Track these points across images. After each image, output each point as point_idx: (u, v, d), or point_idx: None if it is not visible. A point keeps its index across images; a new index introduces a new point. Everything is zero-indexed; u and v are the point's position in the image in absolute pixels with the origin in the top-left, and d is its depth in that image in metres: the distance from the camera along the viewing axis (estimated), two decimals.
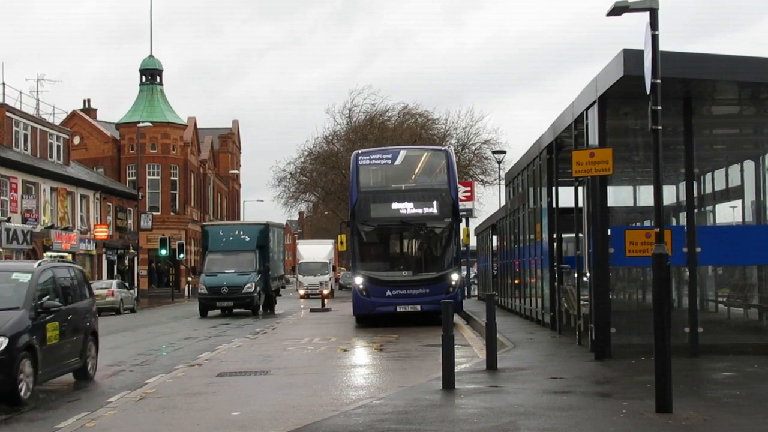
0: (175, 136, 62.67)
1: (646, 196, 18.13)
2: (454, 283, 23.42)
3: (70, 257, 44.44)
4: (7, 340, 11.16)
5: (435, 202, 23.80)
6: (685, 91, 13.76)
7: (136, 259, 54.62)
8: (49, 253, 40.52)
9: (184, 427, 9.83)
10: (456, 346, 12.32)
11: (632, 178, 18.99)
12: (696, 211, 14.93)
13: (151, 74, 63.35)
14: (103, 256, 50.20)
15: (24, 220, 38.82)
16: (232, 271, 34.09)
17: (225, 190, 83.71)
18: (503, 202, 34.13)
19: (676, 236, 13.33)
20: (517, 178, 25.84)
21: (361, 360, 16.53)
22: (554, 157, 18.71)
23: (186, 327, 27.90)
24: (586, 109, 14.69)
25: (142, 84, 63.39)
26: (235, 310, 34.71)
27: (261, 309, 34.92)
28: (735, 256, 14.70)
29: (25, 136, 43.20)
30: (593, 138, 14.17)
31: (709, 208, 18.98)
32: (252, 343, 20.34)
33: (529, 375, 12.57)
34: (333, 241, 56.93)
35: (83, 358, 13.78)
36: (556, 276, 19.27)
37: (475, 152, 61.66)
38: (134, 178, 57.03)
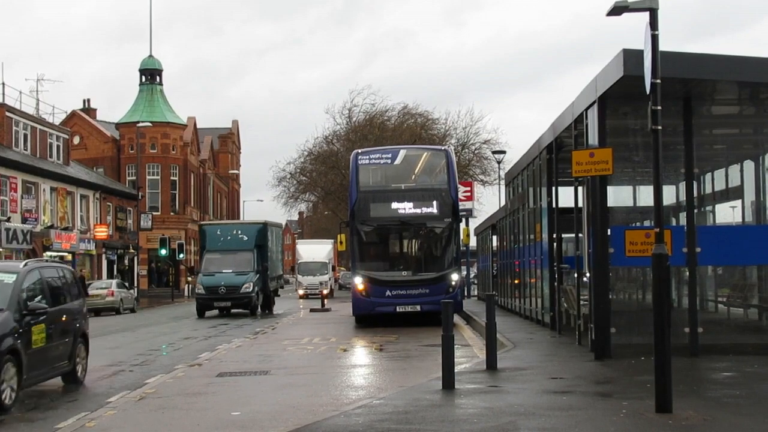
0: (174, 136, 62.68)
1: (646, 196, 18.14)
2: (453, 283, 23.40)
3: (69, 257, 44.48)
4: None
5: (435, 202, 23.77)
6: (684, 91, 13.77)
7: (135, 259, 54.64)
8: (48, 253, 40.52)
9: (184, 427, 9.83)
10: (456, 346, 12.32)
11: (632, 178, 18.99)
12: (696, 211, 14.94)
13: (151, 74, 63.36)
14: (103, 256, 50.20)
15: (24, 220, 38.83)
16: (230, 270, 33.82)
17: (225, 190, 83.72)
18: (503, 202, 34.14)
19: (676, 236, 13.33)
20: (517, 178, 25.84)
21: (361, 360, 16.53)
22: (554, 157, 18.71)
23: (186, 327, 27.90)
24: (586, 109, 14.69)
25: (142, 84, 63.40)
26: (233, 311, 34.48)
27: (259, 309, 34.69)
28: (735, 256, 14.71)
29: (25, 135, 43.21)
30: (593, 138, 14.18)
31: (709, 208, 18.98)
32: (252, 343, 20.34)
33: (529, 375, 12.57)
34: (332, 240, 56.82)
35: (72, 362, 13.31)
36: (556, 276, 19.26)
37: (475, 152, 61.70)
38: (134, 178, 57.04)
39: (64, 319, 13.11)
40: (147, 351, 19.57)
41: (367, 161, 24.84)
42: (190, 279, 57.24)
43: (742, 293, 17.01)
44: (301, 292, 53.99)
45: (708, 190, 18.93)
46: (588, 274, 14.73)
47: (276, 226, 40.93)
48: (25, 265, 12.68)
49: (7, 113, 41.47)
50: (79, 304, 14.11)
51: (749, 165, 17.85)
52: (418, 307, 23.19)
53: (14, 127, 42.13)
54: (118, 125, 62.86)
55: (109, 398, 11.95)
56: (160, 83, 63.81)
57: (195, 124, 68.22)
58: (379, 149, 28.19)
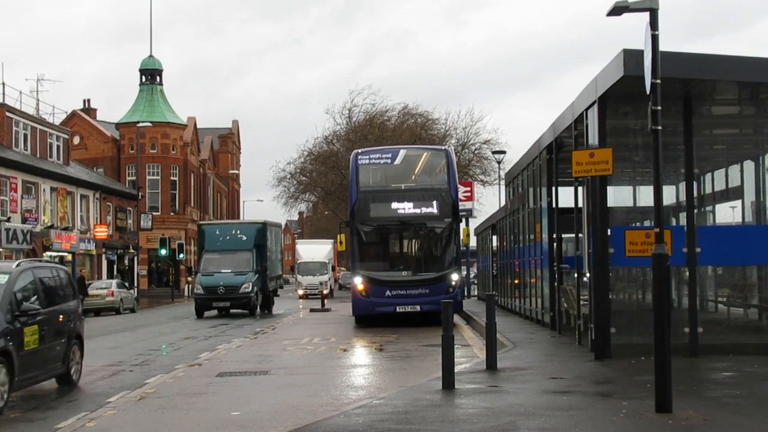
0: (174, 136, 62.68)
1: (646, 196, 18.13)
2: (453, 283, 23.38)
3: (69, 257, 44.49)
4: None
5: (435, 202, 23.74)
6: (685, 91, 13.77)
7: (135, 259, 54.63)
8: (48, 253, 40.52)
9: (184, 427, 9.83)
10: (456, 346, 12.32)
11: (632, 178, 18.98)
12: (696, 211, 14.94)
13: (151, 74, 63.36)
14: (103, 256, 50.20)
15: (24, 220, 38.82)
16: (229, 270, 33.60)
17: (225, 190, 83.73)
18: (503, 202, 34.14)
19: (676, 236, 13.33)
20: (517, 178, 25.84)
21: (361, 360, 16.53)
22: (554, 157, 18.72)
23: (186, 327, 27.90)
24: (586, 109, 14.69)
25: (142, 84, 63.40)
26: (232, 311, 34.29)
27: (258, 309, 34.53)
28: (735, 256, 14.71)
29: (25, 136, 43.21)
30: (593, 138, 14.18)
31: (709, 208, 18.98)
32: (252, 343, 20.34)
33: (529, 375, 12.57)
34: (332, 240, 56.77)
35: (66, 363, 13.05)
36: (556, 276, 19.27)
37: (475, 152, 61.73)
38: (134, 178, 57.04)
39: (58, 320, 12.86)
40: (147, 351, 19.57)
41: (367, 161, 24.81)
42: (190, 279, 57.26)
43: (742, 293, 17.01)
44: (300, 292, 53.92)
45: (708, 190, 18.93)
46: (588, 274, 14.73)
47: (275, 225, 40.81)
48: (18, 265, 12.41)
49: (7, 113, 41.47)
50: (74, 305, 13.83)
51: (749, 165, 17.85)
52: (418, 308, 23.16)
53: (14, 127, 42.13)
54: (118, 125, 62.86)
55: (109, 398, 11.95)
56: (160, 83, 63.82)
57: (195, 124, 68.22)
58: (379, 149, 28.17)
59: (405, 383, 12.33)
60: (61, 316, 13.02)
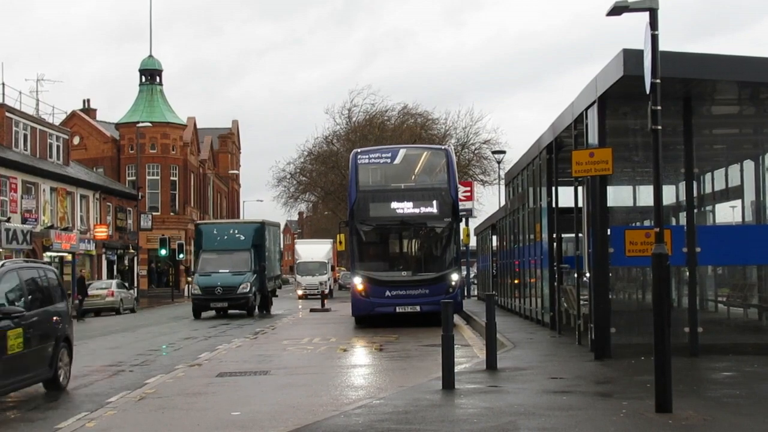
0: (174, 136, 62.67)
1: (645, 196, 18.13)
2: (453, 283, 23.34)
3: (69, 257, 44.50)
4: None
5: (435, 202, 23.69)
6: (684, 91, 13.77)
7: (135, 259, 54.63)
8: (48, 253, 40.54)
9: (184, 427, 9.83)
10: (456, 346, 12.31)
11: (632, 178, 18.98)
12: (696, 211, 14.94)
13: (150, 74, 63.36)
14: (103, 256, 50.19)
15: (24, 220, 38.81)
16: (227, 270, 33.29)
17: (225, 190, 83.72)
18: (503, 202, 34.13)
19: (675, 236, 13.33)
20: (517, 178, 25.83)
21: (361, 360, 16.53)
22: (554, 157, 18.71)
23: (186, 327, 27.89)
24: (586, 109, 14.69)
25: (141, 84, 63.40)
26: (230, 311, 34.03)
27: (256, 310, 34.29)
28: (735, 256, 14.71)
29: (25, 136, 43.20)
30: (593, 138, 14.18)
31: (708, 208, 18.98)
32: (252, 343, 20.33)
33: (529, 375, 12.57)
34: (332, 240, 56.67)
35: (54, 367, 12.54)
36: (556, 276, 19.26)
37: (475, 152, 61.76)
38: (134, 178, 57.04)
39: (44, 322, 12.37)
40: (147, 351, 19.56)
41: (367, 161, 24.74)
42: (189, 279, 57.24)
43: (742, 293, 17.01)
44: (300, 292, 53.79)
45: (708, 190, 18.92)
46: (588, 274, 14.73)
47: (273, 225, 40.63)
48: (2, 266, 11.95)
49: (7, 113, 41.46)
50: (63, 307, 13.34)
51: (749, 165, 17.85)
52: (418, 308, 23.11)
53: (14, 128, 42.12)
54: (118, 125, 62.86)
55: (109, 398, 11.95)
56: (160, 83, 63.82)
57: (195, 124, 68.23)
58: (379, 148, 28.11)
59: (405, 383, 12.33)
60: (48, 319, 12.54)
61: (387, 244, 24.85)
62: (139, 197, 52.17)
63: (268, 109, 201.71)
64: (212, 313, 34.01)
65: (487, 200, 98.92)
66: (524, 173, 23.82)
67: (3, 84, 43.46)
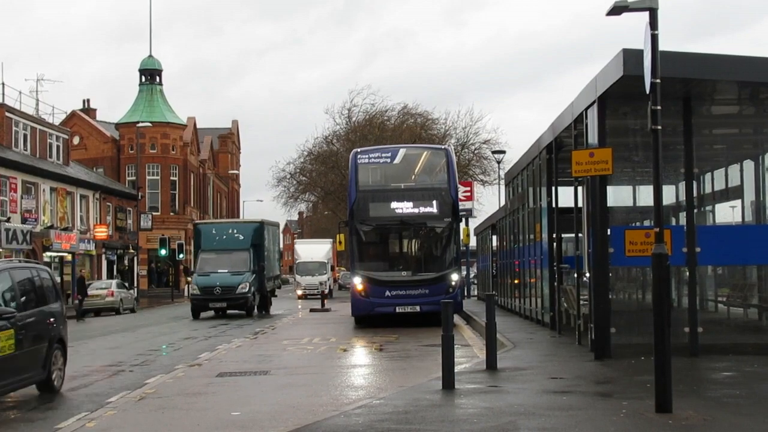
0: (174, 136, 62.68)
1: (645, 196, 18.13)
2: (453, 283, 23.32)
3: (69, 257, 44.50)
4: None
5: (435, 202, 23.66)
6: (684, 91, 13.76)
7: (135, 259, 54.64)
8: (48, 254, 40.55)
9: (184, 427, 9.83)
10: (456, 346, 12.31)
11: (632, 178, 18.98)
12: (696, 211, 14.93)
13: (150, 74, 63.38)
14: (103, 256, 50.20)
15: (24, 220, 38.83)
16: (226, 270, 33.12)
17: (225, 190, 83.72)
18: (503, 202, 34.13)
19: (675, 236, 13.33)
20: (517, 178, 25.82)
21: (361, 360, 16.53)
22: (554, 157, 18.71)
23: (186, 327, 27.89)
24: (586, 109, 14.69)
25: (141, 84, 63.41)
26: (229, 311, 33.87)
27: (255, 310, 34.15)
28: (735, 256, 14.71)
29: (25, 136, 43.21)
30: (593, 138, 14.17)
31: (708, 208, 18.98)
32: (252, 343, 20.33)
33: (529, 375, 12.57)
34: (331, 240, 56.62)
35: (47, 369, 12.28)
36: (556, 276, 19.26)
37: (475, 152, 61.75)
38: (134, 178, 57.04)
39: (37, 323, 12.11)
40: (147, 351, 19.56)
41: (367, 160, 24.71)
42: (189, 279, 57.22)
43: (742, 293, 17.01)
44: (299, 292, 53.71)
45: (708, 190, 18.92)
46: (588, 274, 14.73)
47: (272, 225, 40.50)
48: None
49: (7, 113, 41.47)
50: (57, 307, 13.08)
51: (749, 165, 17.85)
52: (418, 308, 23.08)
53: (14, 128, 42.13)
54: (117, 125, 62.87)
55: (109, 398, 11.94)
56: (160, 83, 63.83)
57: (195, 124, 68.23)
58: (379, 148, 28.10)
59: (405, 383, 12.33)
60: (41, 320, 12.31)
61: (387, 244, 24.82)
62: (139, 197, 52.17)
63: (268, 109, 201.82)
64: (212, 313, 33.89)
65: (487, 200, 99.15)
66: (524, 173, 23.81)
67: (3, 84, 43.54)
